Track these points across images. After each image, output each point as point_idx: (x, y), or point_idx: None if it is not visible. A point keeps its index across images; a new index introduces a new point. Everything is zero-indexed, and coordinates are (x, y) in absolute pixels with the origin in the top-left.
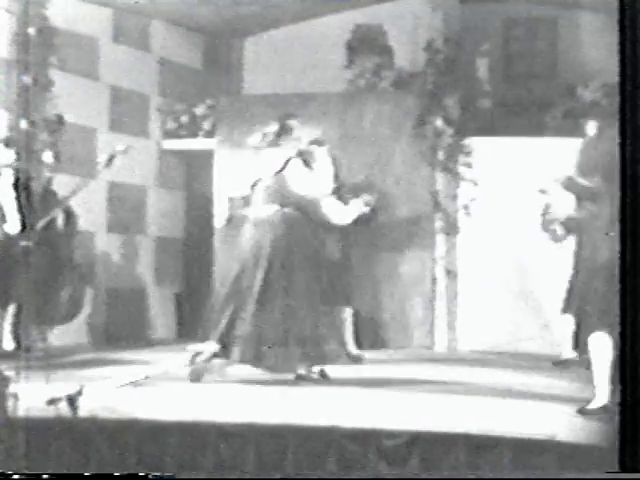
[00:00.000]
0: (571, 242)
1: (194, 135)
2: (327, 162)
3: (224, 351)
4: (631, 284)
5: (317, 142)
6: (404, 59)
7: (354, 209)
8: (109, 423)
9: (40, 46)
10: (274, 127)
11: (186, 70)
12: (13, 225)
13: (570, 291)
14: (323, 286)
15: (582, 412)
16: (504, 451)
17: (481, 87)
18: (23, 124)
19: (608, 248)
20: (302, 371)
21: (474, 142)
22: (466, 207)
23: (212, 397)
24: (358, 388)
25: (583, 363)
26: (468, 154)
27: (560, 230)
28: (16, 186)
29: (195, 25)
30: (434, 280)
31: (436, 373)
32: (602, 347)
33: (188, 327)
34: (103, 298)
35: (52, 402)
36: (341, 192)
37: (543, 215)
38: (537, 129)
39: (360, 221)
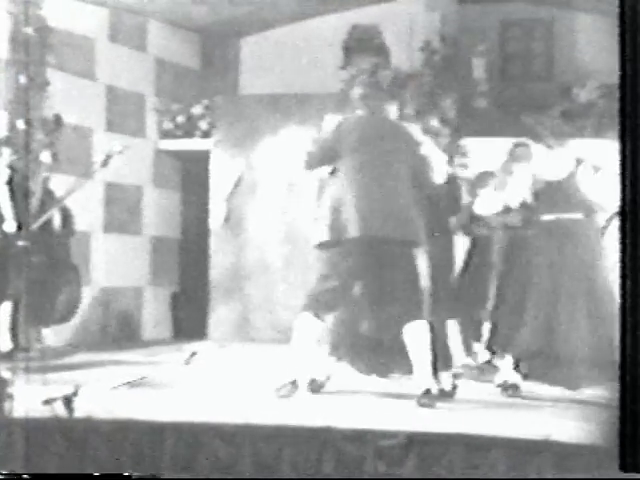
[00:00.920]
0: None
1: (190, 135)
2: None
3: None
4: (631, 287)
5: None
6: (401, 59)
7: None
8: (105, 424)
9: (37, 46)
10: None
11: (182, 70)
12: (9, 224)
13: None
14: None
15: (419, 402)
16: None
17: (477, 87)
18: (20, 124)
19: None
20: None
21: (470, 142)
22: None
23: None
24: None
25: None
26: (464, 154)
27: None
28: (12, 185)
29: (192, 25)
30: None
31: None
32: (418, 335)
33: (184, 327)
34: (99, 298)
35: (48, 402)
36: None
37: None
38: (533, 130)
39: None
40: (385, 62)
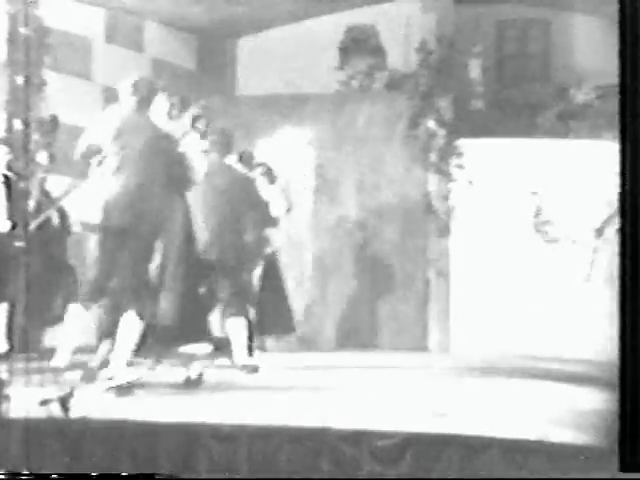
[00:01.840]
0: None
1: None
2: None
3: None
4: (631, 287)
5: None
6: (397, 60)
7: None
8: (100, 424)
9: (34, 46)
10: None
11: (179, 70)
12: (3, 224)
13: None
14: None
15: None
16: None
17: (474, 88)
18: (17, 124)
19: None
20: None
21: (467, 143)
22: (458, 208)
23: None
24: None
25: None
26: (461, 155)
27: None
28: (8, 185)
29: (188, 26)
30: (427, 282)
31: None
32: (130, 327)
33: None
34: None
35: (44, 403)
36: None
37: (535, 216)
38: (530, 130)
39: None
40: (381, 63)
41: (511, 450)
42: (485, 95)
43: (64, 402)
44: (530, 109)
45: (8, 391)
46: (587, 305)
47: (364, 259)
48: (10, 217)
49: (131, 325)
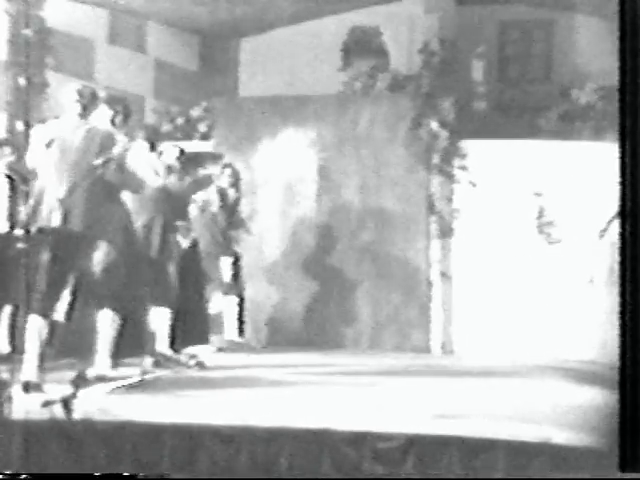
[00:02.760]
0: None
1: (190, 137)
2: None
3: None
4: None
5: None
6: (400, 61)
7: None
8: (103, 425)
9: (36, 47)
10: None
11: (182, 72)
12: (2, 225)
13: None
14: None
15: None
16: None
17: (476, 89)
18: (19, 125)
19: None
20: None
21: (469, 145)
22: (461, 210)
23: None
24: None
25: None
26: (463, 157)
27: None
28: (10, 187)
29: (191, 26)
30: (429, 283)
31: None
32: (107, 323)
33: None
34: None
35: (47, 405)
36: None
37: (538, 218)
38: (532, 132)
39: None
40: (384, 64)
41: (513, 452)
42: (488, 96)
43: (67, 403)
44: (532, 110)
45: (10, 392)
46: (589, 306)
47: (365, 259)
48: (11, 218)
49: (108, 322)
